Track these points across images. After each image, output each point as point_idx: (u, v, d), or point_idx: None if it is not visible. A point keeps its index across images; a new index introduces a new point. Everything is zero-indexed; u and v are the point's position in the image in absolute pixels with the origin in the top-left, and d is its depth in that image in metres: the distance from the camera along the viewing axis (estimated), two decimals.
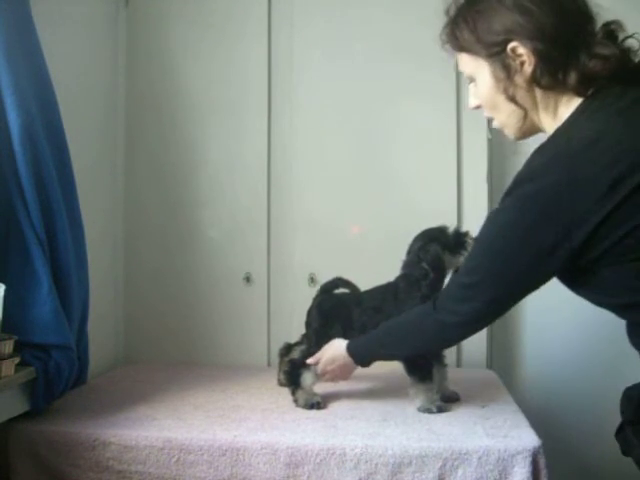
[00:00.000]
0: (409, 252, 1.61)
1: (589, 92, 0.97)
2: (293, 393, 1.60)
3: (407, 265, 1.61)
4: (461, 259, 1.56)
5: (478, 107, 1.10)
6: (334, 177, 2.10)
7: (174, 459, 1.33)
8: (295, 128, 2.12)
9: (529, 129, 1.06)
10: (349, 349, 1.49)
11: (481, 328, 1.20)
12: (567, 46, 0.96)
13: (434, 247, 1.55)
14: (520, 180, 0.98)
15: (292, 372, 1.61)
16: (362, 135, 2.09)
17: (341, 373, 1.56)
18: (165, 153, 2.16)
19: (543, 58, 0.97)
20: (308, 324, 1.69)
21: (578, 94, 0.98)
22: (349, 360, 1.49)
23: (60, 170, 1.48)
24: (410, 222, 2.01)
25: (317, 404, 1.57)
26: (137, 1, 2.17)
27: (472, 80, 1.08)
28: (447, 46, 1.09)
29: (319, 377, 1.59)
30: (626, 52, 0.97)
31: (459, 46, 1.06)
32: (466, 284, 1.11)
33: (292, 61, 2.12)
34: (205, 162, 2.14)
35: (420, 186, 2.07)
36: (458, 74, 2.05)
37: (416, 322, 1.31)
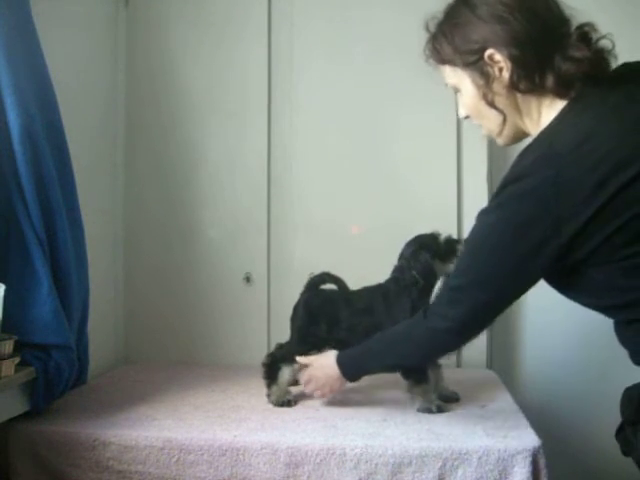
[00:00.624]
0: (401, 257, 1.62)
1: (572, 94, 0.99)
2: (268, 387, 1.61)
3: (398, 270, 1.61)
4: (452, 267, 1.57)
5: (468, 117, 1.13)
6: (334, 177, 2.10)
7: (174, 459, 1.33)
8: (295, 128, 2.12)
9: (516, 134, 1.09)
10: (338, 360, 1.45)
11: (472, 334, 1.17)
12: (542, 50, 0.98)
13: (424, 255, 1.56)
14: (507, 181, 0.99)
15: (271, 367, 1.62)
16: (362, 135, 2.09)
17: (326, 384, 1.50)
18: (165, 153, 2.16)
19: (519, 63, 0.99)
20: (292, 320, 1.69)
21: (558, 96, 1.00)
22: (337, 372, 1.44)
23: (60, 170, 1.48)
24: (410, 222, 2.02)
25: (288, 402, 1.58)
26: (137, 1, 2.17)
27: (457, 91, 1.11)
28: (431, 60, 1.12)
29: (306, 391, 1.56)
30: (600, 53, 0.98)
31: (440, 59, 1.09)
32: (456, 286, 1.11)
33: (292, 61, 2.12)
34: (205, 162, 2.14)
35: (420, 186, 2.07)
36: None
37: (407, 332, 1.29)
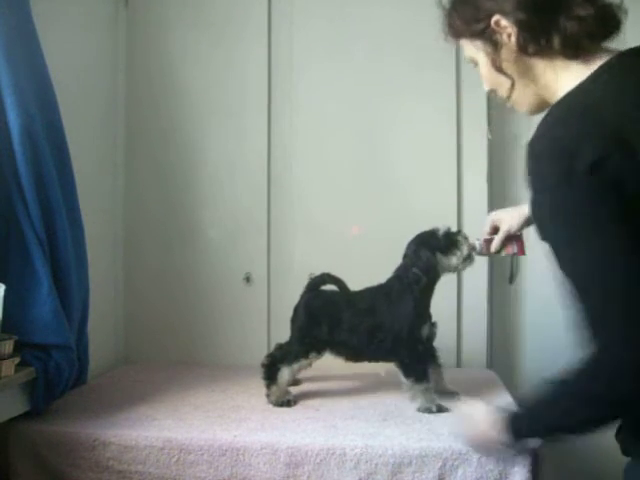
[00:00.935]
0: (405, 256, 1.62)
1: (601, 58, 0.97)
2: (267, 388, 1.61)
3: (400, 268, 1.61)
4: (454, 259, 1.56)
5: (492, 90, 1.10)
6: (334, 177, 2.10)
7: (174, 459, 1.33)
8: (295, 128, 2.12)
9: (538, 101, 1.07)
10: (510, 420, 1.04)
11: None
12: (547, 12, 0.98)
13: (424, 252, 1.56)
14: (540, 138, 0.93)
15: (270, 367, 1.62)
16: (362, 135, 2.09)
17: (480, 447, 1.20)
18: (165, 153, 2.16)
19: (524, 27, 0.99)
20: (293, 321, 1.68)
21: (567, 58, 0.99)
22: (498, 438, 1.06)
23: (60, 170, 1.48)
24: (410, 222, 2.01)
25: (288, 402, 1.58)
26: (137, 1, 2.17)
27: (475, 64, 1.11)
28: (449, 38, 1.11)
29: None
30: (606, 9, 0.98)
31: (454, 33, 1.10)
32: (571, 294, 0.91)
33: (292, 61, 2.12)
34: (205, 162, 2.14)
35: (420, 186, 2.07)
36: (458, 74, 2.05)
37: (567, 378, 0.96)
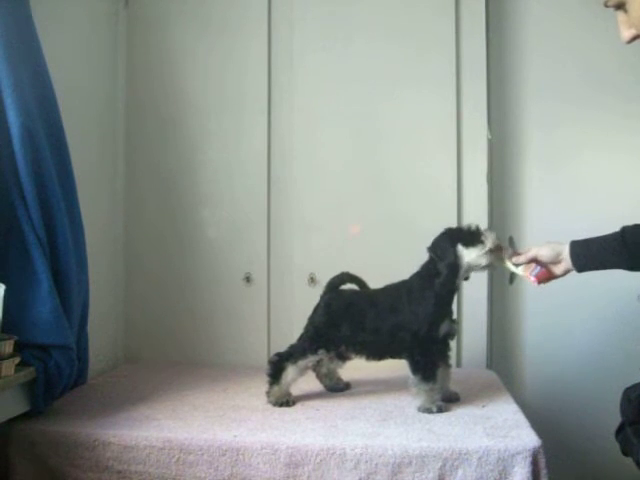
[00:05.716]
0: (428, 252, 1.59)
1: None
2: (270, 386, 1.60)
3: (424, 264, 1.59)
4: (474, 252, 1.53)
5: (635, 38, 1.01)
6: (334, 177, 2.10)
7: (174, 459, 1.33)
8: (295, 127, 2.12)
9: None
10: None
11: None
12: None
13: (443, 243, 1.54)
14: None
15: (276, 365, 1.60)
16: (362, 135, 2.09)
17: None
18: (165, 153, 2.16)
19: None
20: (311, 319, 1.65)
21: None
22: None
23: (60, 170, 1.48)
24: (410, 222, 2.02)
25: (287, 402, 1.58)
26: (137, 1, 2.17)
27: (620, 6, 1.01)
28: None
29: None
30: None
31: None
32: None
33: (292, 60, 2.12)
34: (205, 162, 2.15)
35: (420, 186, 2.07)
36: (458, 77, 2.05)
37: None
